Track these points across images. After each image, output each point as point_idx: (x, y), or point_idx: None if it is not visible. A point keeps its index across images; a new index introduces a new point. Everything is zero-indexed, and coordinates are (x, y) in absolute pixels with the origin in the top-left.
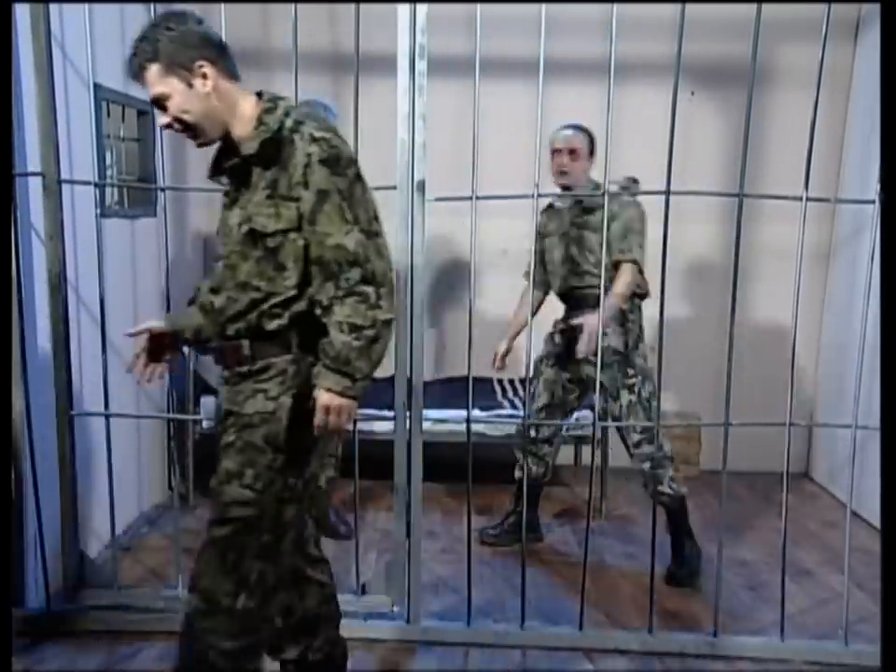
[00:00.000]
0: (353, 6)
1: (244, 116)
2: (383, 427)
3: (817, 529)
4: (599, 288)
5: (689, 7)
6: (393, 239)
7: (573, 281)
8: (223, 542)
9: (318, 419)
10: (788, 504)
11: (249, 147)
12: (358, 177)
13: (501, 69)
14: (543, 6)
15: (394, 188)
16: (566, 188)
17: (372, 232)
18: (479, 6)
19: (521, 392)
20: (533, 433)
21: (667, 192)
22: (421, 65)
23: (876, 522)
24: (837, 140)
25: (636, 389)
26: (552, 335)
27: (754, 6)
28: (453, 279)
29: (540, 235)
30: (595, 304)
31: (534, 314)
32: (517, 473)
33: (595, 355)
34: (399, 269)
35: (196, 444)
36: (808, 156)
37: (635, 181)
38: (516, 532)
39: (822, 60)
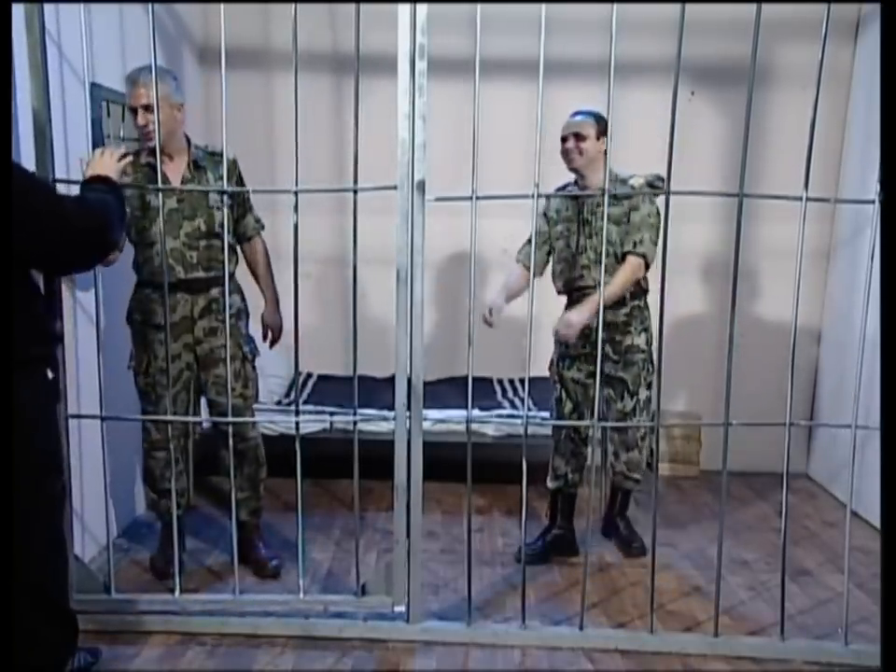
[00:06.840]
0: (353, 6)
1: None
2: (383, 427)
3: (817, 529)
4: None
5: (689, 6)
6: (393, 239)
7: (575, 273)
8: None
9: None
10: (788, 504)
11: None
12: None
13: (501, 69)
14: (543, 6)
15: (394, 188)
16: (575, 171)
17: None
18: (479, 6)
19: (521, 392)
20: (574, 435)
21: (667, 192)
22: (421, 65)
23: (876, 522)
24: (837, 140)
25: (651, 386)
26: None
27: (754, 6)
28: (453, 279)
29: (550, 219)
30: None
31: (516, 294)
32: (551, 483)
33: (584, 345)
34: (400, 269)
35: (196, 445)
36: (808, 156)
37: (661, 179)
38: (556, 548)
39: (822, 60)
